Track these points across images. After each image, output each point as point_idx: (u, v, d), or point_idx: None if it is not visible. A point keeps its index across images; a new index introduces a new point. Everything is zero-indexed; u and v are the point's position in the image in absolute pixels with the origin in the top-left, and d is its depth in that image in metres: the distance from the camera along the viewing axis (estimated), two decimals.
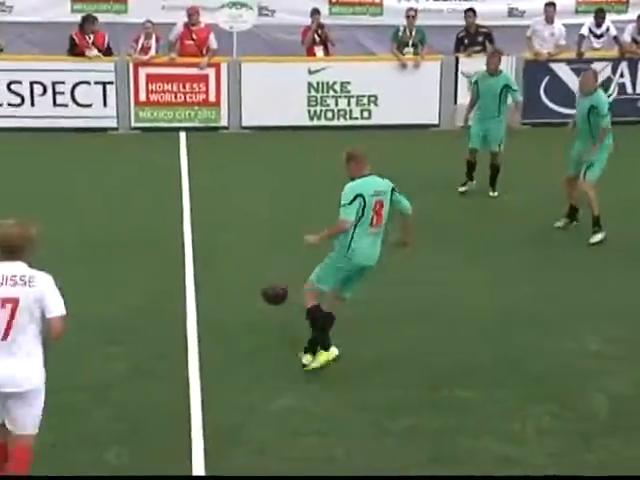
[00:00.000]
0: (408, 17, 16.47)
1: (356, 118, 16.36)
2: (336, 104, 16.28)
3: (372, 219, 7.58)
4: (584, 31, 16.58)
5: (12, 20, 17.18)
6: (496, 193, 12.83)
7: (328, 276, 7.70)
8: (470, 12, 16.61)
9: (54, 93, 15.73)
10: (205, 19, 16.43)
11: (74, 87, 15.66)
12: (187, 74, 15.99)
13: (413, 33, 16.47)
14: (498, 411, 7.11)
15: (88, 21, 15.91)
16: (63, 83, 15.68)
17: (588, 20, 16.74)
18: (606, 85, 16.04)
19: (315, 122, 16.24)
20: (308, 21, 16.70)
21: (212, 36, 16.19)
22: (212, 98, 16.05)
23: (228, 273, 9.79)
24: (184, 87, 16.00)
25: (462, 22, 17.08)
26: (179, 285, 9.40)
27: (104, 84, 15.77)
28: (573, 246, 10.72)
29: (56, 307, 5.80)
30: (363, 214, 7.52)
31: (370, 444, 6.67)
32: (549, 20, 16.53)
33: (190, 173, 13.32)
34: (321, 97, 16.27)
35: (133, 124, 15.96)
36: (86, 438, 6.68)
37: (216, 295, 9.18)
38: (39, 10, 17.29)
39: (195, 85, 16.01)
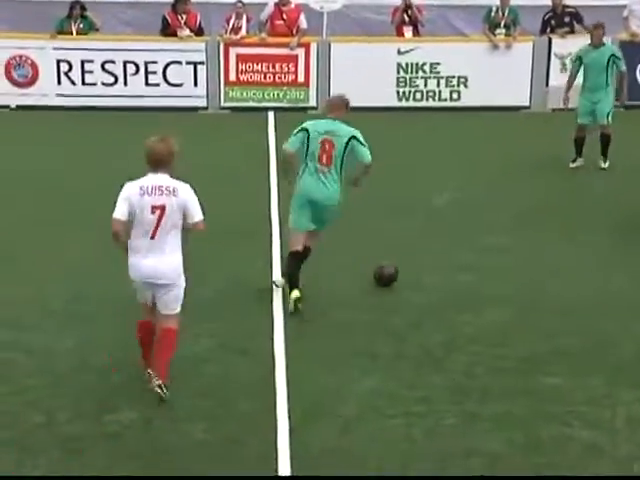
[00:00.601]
0: None
1: (445, 100, 16.23)
2: (425, 85, 16.15)
3: (319, 157, 8.42)
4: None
5: (107, 0, 17.45)
6: (607, 164, 12.79)
7: (294, 215, 8.61)
8: None
9: (146, 73, 15.96)
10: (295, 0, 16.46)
11: (166, 67, 15.85)
12: (277, 54, 16.05)
13: (506, 14, 16.23)
14: (587, 398, 6.99)
15: (180, 1, 16.08)
16: (155, 63, 15.90)
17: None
18: None
19: (404, 103, 16.15)
20: (398, 1, 16.59)
21: (302, 16, 16.21)
22: (301, 78, 16.09)
23: (316, 252, 9.81)
24: (273, 67, 16.07)
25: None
26: (267, 263, 9.46)
27: (195, 64, 15.93)
28: None
29: (197, 213, 6.90)
30: (308, 148, 8.44)
31: (459, 429, 6.61)
32: None
33: (278, 152, 13.35)
34: (410, 78, 16.16)
35: (223, 104, 16.09)
36: (174, 414, 6.77)
37: (305, 274, 9.22)
38: None
39: (284, 65, 16.07)
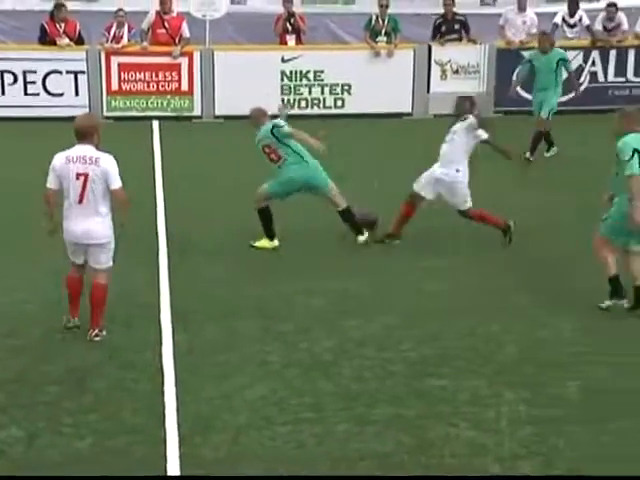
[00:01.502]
0: (381, 6, 16.47)
1: (329, 107, 16.36)
2: (309, 92, 16.26)
3: None
4: (557, 20, 16.69)
5: None
6: (533, 157, 13.74)
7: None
8: (448, 0, 16.64)
9: (25, 82, 15.61)
10: (178, 7, 16.37)
11: (45, 76, 15.55)
12: (159, 63, 15.95)
13: (386, 22, 16.48)
14: (472, 399, 7.14)
15: (57, 9, 15.80)
16: (34, 72, 15.58)
17: (561, 9, 16.81)
18: (578, 73, 16.17)
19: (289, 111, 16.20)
20: (280, 9, 16.67)
21: (185, 24, 16.14)
22: (185, 87, 16.00)
23: (202, 262, 9.79)
24: (157, 76, 15.95)
25: (434, 10, 17.17)
26: (153, 274, 9.39)
27: (75, 73, 15.69)
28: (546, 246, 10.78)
29: (115, 181, 7.78)
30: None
31: (349, 433, 6.67)
32: (521, 8, 16.61)
33: (163, 162, 13.28)
34: (294, 86, 16.25)
35: (105, 113, 15.88)
36: (61, 429, 6.64)
37: (191, 284, 9.20)
38: None
39: (168, 74, 15.97)
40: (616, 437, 6.63)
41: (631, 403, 7.08)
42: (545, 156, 14.07)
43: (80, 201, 7.80)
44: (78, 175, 7.75)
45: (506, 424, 6.79)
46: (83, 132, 7.82)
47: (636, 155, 8.25)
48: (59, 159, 7.85)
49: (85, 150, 7.80)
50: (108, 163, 7.80)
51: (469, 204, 10.23)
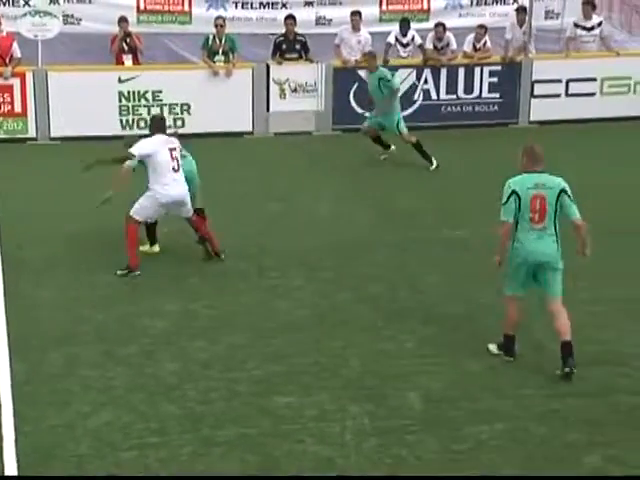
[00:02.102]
0: (216, 26, 16.49)
1: (169, 127, 16.16)
2: (148, 113, 16.07)
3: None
4: (391, 39, 17.08)
5: None
6: (434, 165, 14.28)
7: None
8: (290, 19, 16.80)
9: None
10: (7, 27, 15.93)
11: None
12: None
13: (223, 41, 16.50)
14: (318, 415, 7.21)
15: None
16: None
17: (394, 29, 17.24)
18: (412, 91, 16.64)
19: (128, 131, 15.99)
20: (115, 29, 16.46)
21: (15, 44, 15.71)
22: (18, 109, 15.56)
23: (37, 286, 9.54)
24: None
25: (271, 30, 17.34)
26: None
27: None
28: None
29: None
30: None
31: (194, 456, 6.62)
32: (355, 28, 16.93)
33: None
34: (133, 106, 16.05)
35: None
36: None
37: (26, 310, 8.94)
38: None
39: (0, 95, 15.48)
40: (458, 444, 6.82)
41: (472, 410, 7.30)
42: (380, 159, 14.70)
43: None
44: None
45: (351, 437, 6.89)
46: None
47: (512, 198, 7.80)
48: None
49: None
50: None
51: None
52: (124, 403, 7.32)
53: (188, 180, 10.34)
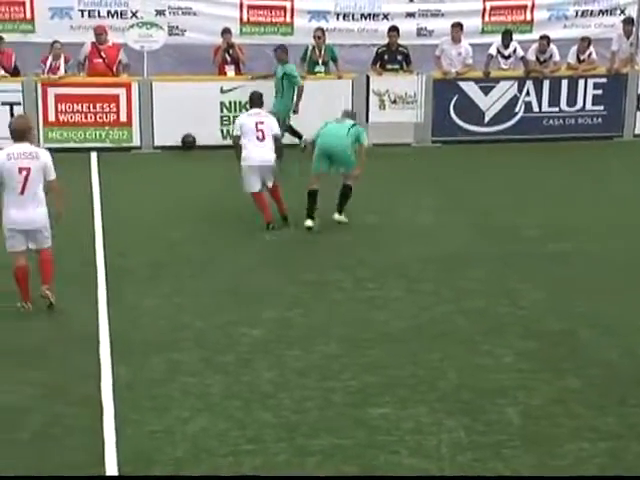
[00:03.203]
0: (315, 37, 16.59)
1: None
2: None
3: None
4: (492, 51, 16.92)
5: None
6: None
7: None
8: (394, 31, 16.82)
9: None
10: (115, 39, 16.33)
11: None
12: (97, 94, 15.80)
13: (323, 52, 16.59)
14: (414, 427, 7.16)
15: None
16: None
17: (496, 41, 17.08)
18: (513, 103, 16.46)
19: (228, 141, 16.17)
20: (219, 40, 16.70)
21: (122, 52, 16.14)
22: (123, 118, 15.91)
23: (140, 294, 9.72)
24: (94, 107, 15.81)
25: (373, 41, 17.38)
26: (92, 306, 9.29)
27: (11, 105, 15.48)
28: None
29: (53, 172, 9.04)
30: None
31: (289, 464, 6.64)
32: (456, 40, 16.83)
33: (101, 192, 13.18)
34: (234, 116, 16.22)
35: (43, 145, 15.68)
36: None
37: (129, 316, 9.12)
38: None
39: (106, 105, 15.84)
40: (557, 460, 6.69)
41: (573, 428, 7.16)
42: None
43: (22, 192, 8.91)
44: (20, 170, 8.87)
45: (446, 450, 6.82)
46: (21, 131, 8.98)
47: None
48: (1, 156, 8.91)
49: (24, 147, 8.94)
50: (46, 157, 9.04)
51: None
52: (221, 410, 7.39)
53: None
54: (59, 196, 9.16)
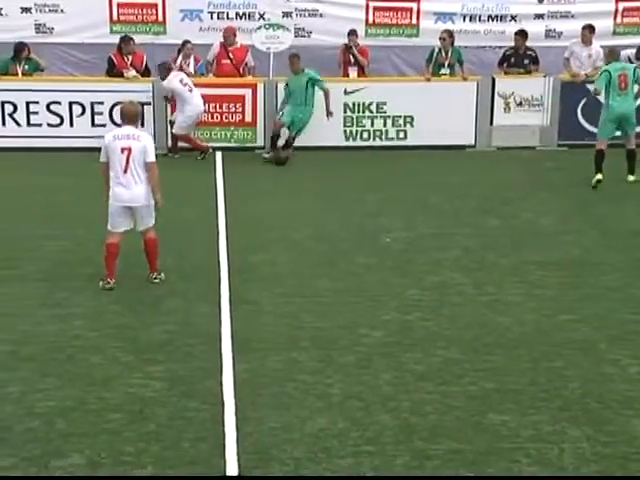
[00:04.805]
0: (441, 39, 16.48)
1: (392, 139, 16.34)
2: (372, 124, 16.28)
3: None
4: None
5: (53, 41, 17.41)
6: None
7: None
8: (519, 35, 16.60)
9: (92, 113, 15.88)
10: (243, 41, 16.58)
11: (112, 107, 15.79)
12: (224, 94, 16.06)
13: (449, 54, 16.47)
14: (534, 435, 7.04)
15: (124, 42, 16.09)
16: (102, 103, 15.83)
17: (630, 50, 16.50)
18: None
19: (351, 142, 16.25)
20: (344, 42, 16.78)
21: (249, 55, 16.38)
22: (248, 118, 16.13)
23: (263, 291, 9.83)
24: (220, 107, 16.07)
25: (499, 43, 17.18)
26: (214, 303, 9.44)
27: (142, 104, 15.82)
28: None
29: (151, 154, 9.63)
30: None
31: (408, 467, 6.62)
32: (586, 42, 16.46)
33: (226, 192, 13.40)
34: (357, 117, 16.28)
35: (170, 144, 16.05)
36: (122, 458, 6.70)
37: (251, 313, 9.23)
38: (79, 32, 17.52)
39: (232, 105, 16.09)
40: None
41: None
42: None
43: (125, 171, 9.55)
44: (122, 149, 9.52)
45: (569, 461, 6.68)
46: (129, 116, 9.71)
47: None
48: (108, 137, 9.69)
49: (129, 130, 9.65)
50: (147, 140, 9.63)
51: None
52: (340, 410, 7.41)
53: None
54: (154, 178, 9.61)
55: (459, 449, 6.85)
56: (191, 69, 16.17)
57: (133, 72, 16.00)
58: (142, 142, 9.58)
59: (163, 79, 15.22)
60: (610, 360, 8.29)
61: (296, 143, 15.74)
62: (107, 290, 9.70)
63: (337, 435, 7.02)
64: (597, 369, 8.13)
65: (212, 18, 17.68)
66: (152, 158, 9.62)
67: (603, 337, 8.76)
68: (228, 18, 17.58)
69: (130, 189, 9.62)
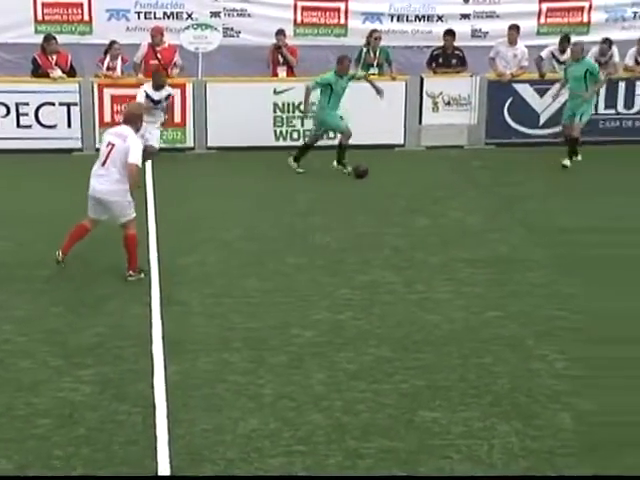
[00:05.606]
0: (371, 38, 16.57)
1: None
2: (302, 124, 16.31)
3: None
4: (544, 54, 16.74)
5: None
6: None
7: None
8: (449, 35, 16.78)
9: (17, 114, 15.64)
10: (170, 41, 16.47)
11: (38, 108, 15.57)
12: None
13: (377, 54, 16.58)
14: (465, 432, 7.12)
15: (47, 41, 15.83)
16: (27, 104, 15.60)
17: (552, 45, 16.87)
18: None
19: (281, 142, 16.26)
20: (272, 41, 16.78)
21: (177, 54, 16.28)
22: (177, 119, 16.03)
23: (193, 294, 9.78)
24: None
25: (426, 43, 17.35)
26: (145, 305, 9.37)
27: (68, 105, 15.70)
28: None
29: (134, 157, 9.74)
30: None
31: (340, 467, 6.64)
32: (512, 42, 16.71)
33: (155, 193, 13.29)
34: (287, 117, 16.29)
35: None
36: (51, 462, 6.61)
37: (182, 315, 9.18)
38: (2, 31, 17.26)
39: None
40: (615, 469, 6.61)
41: (627, 434, 7.06)
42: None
43: (103, 164, 9.86)
44: (108, 144, 9.86)
45: (499, 456, 6.77)
46: (127, 115, 10.10)
47: None
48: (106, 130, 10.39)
49: (122, 128, 9.95)
50: (133, 142, 9.76)
51: None
52: (272, 410, 7.41)
53: None
54: (130, 179, 9.80)
55: (391, 447, 6.90)
56: (118, 70, 16.01)
57: (59, 72, 15.79)
58: (127, 143, 9.74)
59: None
60: (537, 356, 8.43)
61: (221, 143, 15.71)
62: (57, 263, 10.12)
63: (269, 435, 7.03)
64: (525, 365, 8.25)
65: (139, 18, 17.59)
66: (133, 160, 9.74)
67: (530, 333, 8.90)
68: (155, 18, 17.52)
69: (101, 183, 9.87)
